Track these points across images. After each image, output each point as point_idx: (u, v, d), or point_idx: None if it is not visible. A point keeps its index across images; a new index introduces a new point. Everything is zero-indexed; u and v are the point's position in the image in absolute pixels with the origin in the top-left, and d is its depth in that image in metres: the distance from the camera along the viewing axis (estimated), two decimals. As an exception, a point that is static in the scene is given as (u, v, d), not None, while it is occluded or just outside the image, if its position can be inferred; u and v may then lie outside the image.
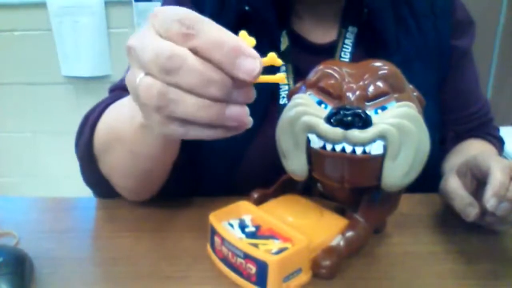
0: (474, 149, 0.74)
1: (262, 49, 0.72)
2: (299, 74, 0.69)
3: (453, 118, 0.77)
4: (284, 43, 0.69)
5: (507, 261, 0.54)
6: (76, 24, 1.68)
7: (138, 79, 0.36)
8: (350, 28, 0.70)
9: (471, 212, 0.51)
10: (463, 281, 0.49)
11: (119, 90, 0.70)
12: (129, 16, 1.66)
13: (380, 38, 0.68)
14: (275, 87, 0.69)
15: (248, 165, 0.69)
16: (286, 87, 0.69)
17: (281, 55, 0.69)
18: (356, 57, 0.69)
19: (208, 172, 0.71)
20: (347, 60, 0.69)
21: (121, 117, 0.54)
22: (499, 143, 0.79)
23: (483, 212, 0.52)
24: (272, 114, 0.68)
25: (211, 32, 0.34)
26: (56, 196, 0.69)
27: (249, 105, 0.72)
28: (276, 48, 0.69)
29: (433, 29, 0.71)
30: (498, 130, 0.81)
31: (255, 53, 0.35)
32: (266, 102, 0.68)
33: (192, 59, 0.34)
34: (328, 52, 0.70)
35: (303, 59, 0.69)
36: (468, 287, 0.48)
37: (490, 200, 0.48)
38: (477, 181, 0.54)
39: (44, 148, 1.90)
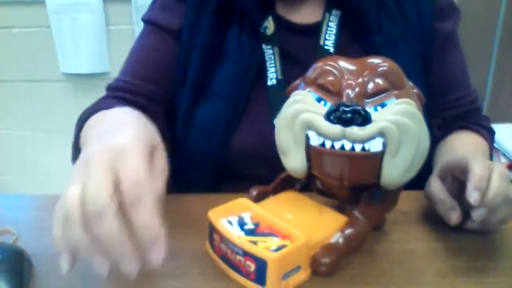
0: (463, 144, 0.74)
1: (246, 32, 0.72)
2: (286, 56, 0.71)
3: (440, 102, 0.77)
4: (270, 28, 0.71)
5: (507, 258, 0.54)
6: (75, 21, 1.68)
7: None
8: (334, 12, 0.71)
9: (452, 215, 0.53)
10: (463, 278, 0.49)
11: (113, 91, 0.73)
12: (128, 13, 1.65)
13: (363, 20, 0.70)
14: (261, 67, 0.71)
15: (236, 143, 0.70)
16: (273, 69, 0.71)
17: (267, 39, 0.71)
18: (340, 40, 0.70)
19: (197, 153, 0.73)
20: (332, 42, 0.70)
21: None
22: (489, 134, 0.79)
23: (464, 218, 0.52)
24: (259, 95, 0.70)
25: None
26: (55, 193, 0.69)
27: (235, 83, 0.72)
28: (259, 34, 0.70)
29: (415, 12, 0.72)
30: (487, 119, 0.81)
31: None
32: (252, 82, 0.70)
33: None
34: (313, 32, 0.71)
35: (289, 40, 0.71)
36: (468, 284, 0.48)
37: (472, 194, 0.48)
38: (459, 183, 0.55)
39: (43, 146, 1.90)
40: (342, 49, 0.69)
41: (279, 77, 0.70)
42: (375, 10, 0.71)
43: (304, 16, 0.73)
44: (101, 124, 0.50)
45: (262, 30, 0.71)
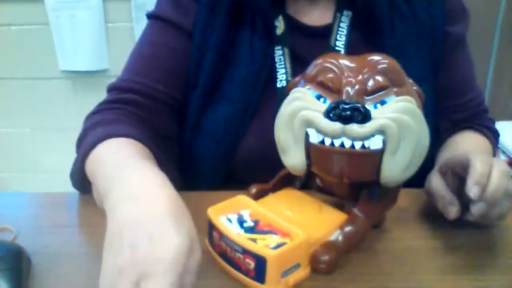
0: (466, 142, 0.74)
1: (257, 34, 0.71)
2: (295, 57, 0.70)
3: (448, 105, 0.76)
4: (281, 28, 0.70)
5: (506, 255, 0.54)
6: (74, 19, 1.67)
7: None
8: (345, 12, 0.70)
9: (451, 210, 0.53)
10: (462, 276, 0.49)
11: (119, 92, 0.69)
12: (127, 10, 1.64)
13: (375, 22, 0.69)
14: (272, 69, 0.70)
15: (245, 148, 0.69)
16: (283, 70, 0.70)
17: (277, 39, 0.70)
18: (351, 41, 0.70)
19: (205, 158, 0.72)
20: (342, 43, 0.70)
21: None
22: (493, 135, 0.79)
23: (464, 211, 0.52)
24: (269, 97, 0.68)
25: None
26: (54, 191, 0.69)
27: (247, 87, 0.70)
28: (270, 35, 0.69)
29: (427, 15, 0.71)
30: (493, 122, 0.81)
31: None
32: (264, 85, 0.69)
33: None
34: (324, 34, 0.70)
35: (299, 42, 0.70)
36: (467, 282, 0.48)
37: (472, 189, 0.48)
38: (459, 179, 0.55)
39: (42, 143, 1.90)
40: (352, 51, 0.67)
41: (289, 79, 0.69)
42: (387, 11, 0.70)
43: (315, 18, 0.71)
44: (122, 186, 0.44)
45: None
